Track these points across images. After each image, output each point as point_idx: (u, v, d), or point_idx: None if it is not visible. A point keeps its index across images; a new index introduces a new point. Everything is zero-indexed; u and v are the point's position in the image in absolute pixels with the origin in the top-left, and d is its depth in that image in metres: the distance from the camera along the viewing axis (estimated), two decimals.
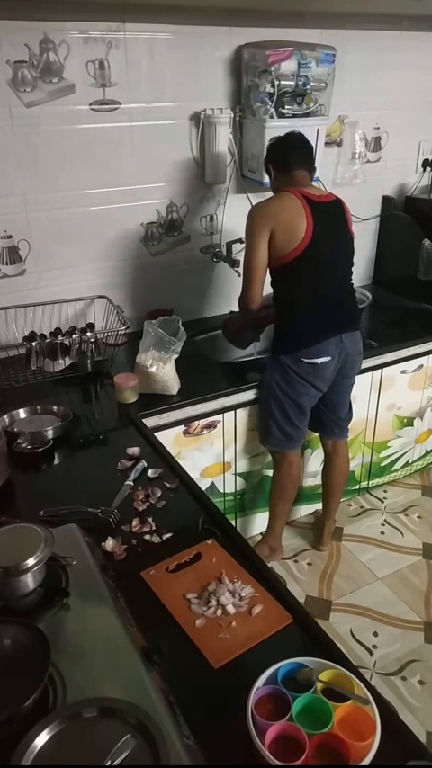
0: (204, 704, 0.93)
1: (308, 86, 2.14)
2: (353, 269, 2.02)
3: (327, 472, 2.34)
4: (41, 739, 0.74)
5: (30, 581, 0.99)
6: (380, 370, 2.38)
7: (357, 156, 2.60)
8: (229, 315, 2.35)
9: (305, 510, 2.58)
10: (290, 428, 2.06)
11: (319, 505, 2.57)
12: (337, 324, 1.95)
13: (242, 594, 1.12)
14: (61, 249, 2.13)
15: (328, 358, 1.94)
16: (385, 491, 2.81)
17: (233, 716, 0.87)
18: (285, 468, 2.16)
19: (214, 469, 2.14)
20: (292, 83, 2.10)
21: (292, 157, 1.91)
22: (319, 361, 1.94)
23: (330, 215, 1.91)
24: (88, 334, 1.98)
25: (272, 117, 2.12)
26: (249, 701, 0.86)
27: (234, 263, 2.38)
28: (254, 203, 1.93)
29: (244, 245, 1.92)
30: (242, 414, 2.08)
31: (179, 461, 1.59)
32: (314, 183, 2.01)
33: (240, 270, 2.36)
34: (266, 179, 2.24)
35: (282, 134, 1.96)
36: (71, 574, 1.05)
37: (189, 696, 0.92)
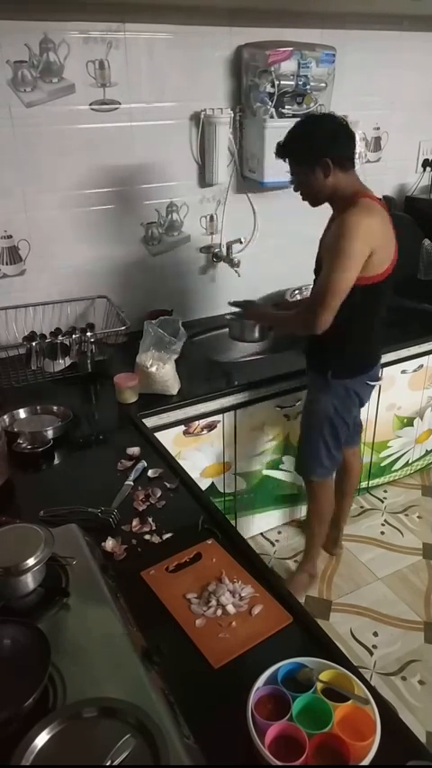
0: (204, 704, 0.93)
1: (308, 86, 2.14)
2: None
3: (345, 477, 2.27)
4: (41, 739, 0.74)
5: (30, 581, 0.99)
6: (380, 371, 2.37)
7: (357, 156, 2.58)
8: (258, 305, 2.16)
9: (305, 510, 2.57)
10: (337, 452, 1.98)
11: None
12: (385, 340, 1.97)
13: (242, 594, 1.12)
14: (61, 249, 2.13)
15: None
16: (385, 491, 2.81)
17: (233, 716, 0.87)
18: (325, 493, 2.10)
19: (214, 469, 2.14)
20: (292, 83, 2.10)
21: (354, 151, 1.66)
22: (380, 381, 1.94)
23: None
24: (88, 334, 1.98)
25: (272, 117, 2.12)
26: (249, 701, 0.86)
27: (234, 263, 2.38)
28: (349, 215, 1.58)
29: (330, 259, 1.61)
30: (242, 414, 2.08)
31: (179, 461, 1.59)
32: None
33: (240, 269, 2.38)
34: (270, 178, 2.23)
35: (317, 116, 1.72)
36: (71, 574, 1.05)
37: (189, 696, 0.92)
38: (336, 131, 1.62)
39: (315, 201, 1.73)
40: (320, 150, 1.60)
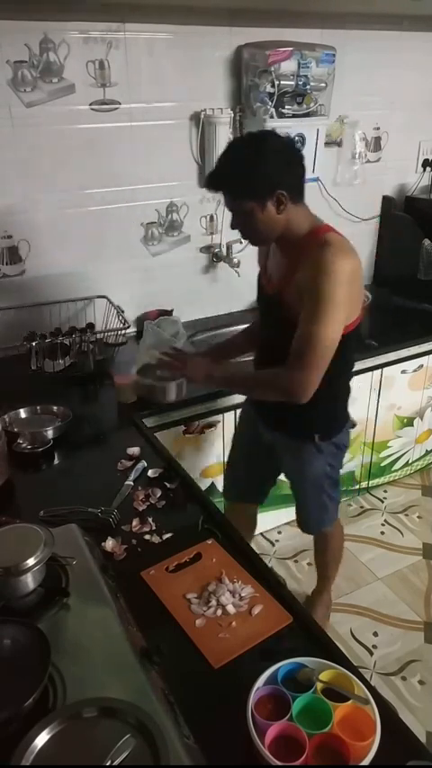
0: (204, 704, 0.93)
1: (308, 86, 2.14)
2: None
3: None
4: (41, 739, 0.74)
5: (30, 581, 0.99)
6: (380, 370, 2.37)
7: (357, 156, 2.59)
8: (206, 357, 1.70)
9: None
10: (339, 494, 1.84)
11: None
12: None
13: (242, 594, 1.12)
14: (61, 249, 2.13)
15: None
16: (385, 491, 2.81)
17: (233, 716, 0.87)
18: (339, 532, 2.00)
19: (214, 469, 2.14)
20: (292, 83, 2.10)
21: (304, 178, 1.39)
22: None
23: None
24: (88, 334, 1.98)
25: (272, 117, 2.12)
26: (249, 701, 0.86)
27: (234, 264, 2.38)
28: (329, 255, 1.31)
29: (314, 309, 1.32)
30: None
31: (179, 461, 1.60)
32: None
33: (239, 269, 2.38)
34: None
35: (259, 136, 1.37)
36: (71, 574, 1.05)
37: (189, 696, 0.92)
38: (289, 155, 1.35)
39: (265, 241, 1.46)
40: (273, 180, 1.30)
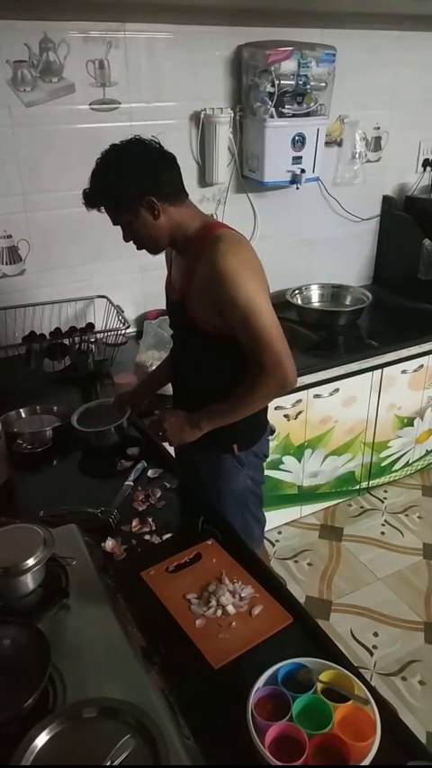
0: (204, 705, 0.93)
1: (308, 86, 2.13)
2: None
3: None
4: (41, 739, 0.74)
5: (29, 581, 0.99)
6: (380, 370, 2.37)
7: (357, 155, 2.59)
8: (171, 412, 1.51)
9: (305, 510, 2.57)
10: (262, 513, 1.71)
11: (321, 506, 2.58)
12: None
13: (242, 595, 1.12)
14: (61, 249, 2.13)
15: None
16: (385, 491, 2.81)
17: (233, 716, 0.87)
18: (264, 558, 1.88)
19: None
20: (293, 82, 2.10)
21: (181, 177, 1.37)
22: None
23: None
24: (88, 334, 1.97)
25: (272, 117, 2.12)
26: (249, 702, 0.86)
27: None
28: (223, 254, 1.29)
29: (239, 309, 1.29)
30: None
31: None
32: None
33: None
34: (270, 178, 2.22)
35: (120, 146, 1.35)
36: (71, 574, 1.05)
37: (189, 696, 0.91)
38: (150, 160, 1.33)
39: (156, 248, 1.42)
40: (138, 188, 1.30)
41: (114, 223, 1.39)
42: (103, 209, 1.36)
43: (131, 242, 1.42)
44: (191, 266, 1.37)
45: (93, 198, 1.35)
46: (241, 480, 1.56)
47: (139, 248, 1.44)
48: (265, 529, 2.44)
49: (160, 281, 2.38)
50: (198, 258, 1.33)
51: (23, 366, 1.96)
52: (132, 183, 1.30)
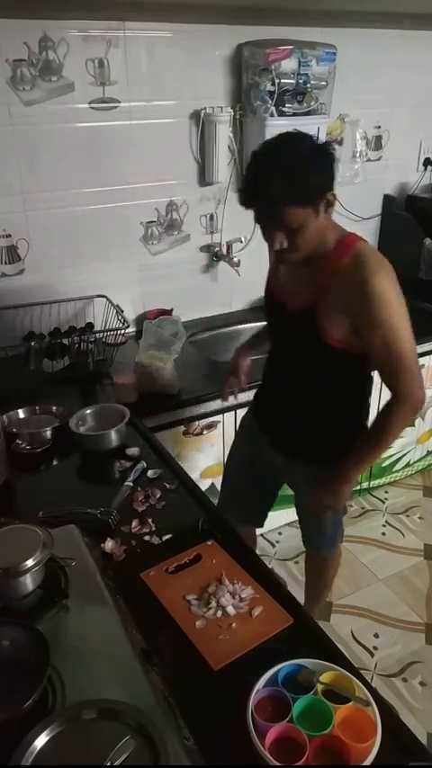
0: (204, 706, 0.93)
1: (308, 85, 2.13)
2: None
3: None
4: (41, 741, 0.74)
5: (29, 582, 0.98)
6: None
7: (358, 154, 2.59)
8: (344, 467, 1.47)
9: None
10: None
11: None
12: None
13: (242, 596, 1.11)
14: (60, 248, 2.12)
15: None
16: (386, 492, 2.81)
17: (233, 718, 0.87)
18: (339, 559, 1.93)
19: (214, 470, 2.13)
20: (293, 81, 2.10)
21: None
22: None
23: None
24: (87, 334, 1.97)
25: (272, 115, 2.12)
26: (250, 703, 0.86)
27: (234, 263, 2.37)
28: (368, 267, 1.26)
29: (384, 325, 1.28)
30: (242, 414, 2.07)
31: (179, 462, 1.59)
32: None
33: (240, 269, 2.37)
34: None
35: (293, 134, 1.25)
36: (70, 575, 1.04)
37: (189, 698, 0.91)
38: (326, 151, 1.24)
39: (309, 254, 1.30)
40: (329, 181, 1.23)
41: (278, 223, 1.23)
42: (257, 208, 1.24)
43: (279, 248, 1.27)
44: (324, 276, 1.30)
45: (270, 190, 1.17)
46: (335, 493, 1.50)
47: (286, 256, 1.30)
48: (266, 530, 2.47)
49: (160, 281, 2.40)
50: (335, 269, 1.28)
51: (23, 366, 1.95)
52: (327, 175, 1.22)
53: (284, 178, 1.17)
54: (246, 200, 1.26)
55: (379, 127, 2.65)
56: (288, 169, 1.18)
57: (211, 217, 2.39)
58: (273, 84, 2.06)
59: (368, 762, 0.81)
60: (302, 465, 1.57)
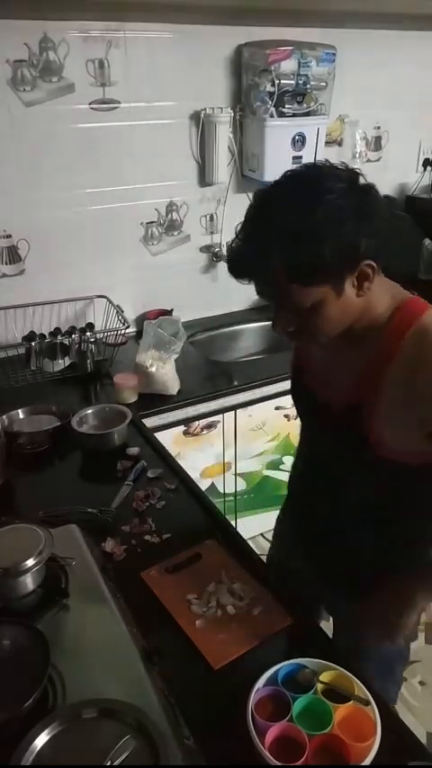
0: (204, 705, 0.93)
1: (308, 85, 2.13)
2: None
3: None
4: (41, 740, 0.74)
5: (29, 582, 0.98)
6: None
7: (358, 155, 2.59)
8: None
9: None
10: (401, 675, 1.40)
11: None
12: None
13: (242, 595, 1.12)
14: (61, 249, 2.12)
15: None
16: None
17: (233, 717, 0.87)
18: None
19: (214, 470, 2.13)
20: (293, 82, 2.10)
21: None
22: None
23: None
24: (88, 334, 1.97)
25: (272, 116, 2.12)
26: (249, 702, 0.86)
27: None
28: None
29: None
30: (242, 414, 2.08)
31: (179, 462, 1.59)
32: None
33: None
34: (270, 177, 2.20)
35: (312, 178, 0.87)
36: (71, 574, 1.04)
37: (189, 697, 0.91)
38: (361, 199, 0.86)
39: (330, 339, 0.96)
40: (353, 246, 0.85)
41: (282, 300, 0.91)
42: (254, 281, 0.91)
43: (284, 332, 0.96)
44: (377, 364, 0.95)
45: (288, 267, 0.84)
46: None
47: (305, 341, 1.04)
48: (266, 529, 2.47)
49: (160, 282, 2.40)
50: (394, 354, 0.93)
51: (23, 366, 1.96)
52: (349, 239, 0.84)
53: (283, 247, 0.84)
54: (236, 274, 0.93)
55: (378, 127, 2.65)
56: (293, 231, 0.83)
57: (211, 217, 2.39)
58: (273, 84, 2.06)
59: (368, 761, 0.81)
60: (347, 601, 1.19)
